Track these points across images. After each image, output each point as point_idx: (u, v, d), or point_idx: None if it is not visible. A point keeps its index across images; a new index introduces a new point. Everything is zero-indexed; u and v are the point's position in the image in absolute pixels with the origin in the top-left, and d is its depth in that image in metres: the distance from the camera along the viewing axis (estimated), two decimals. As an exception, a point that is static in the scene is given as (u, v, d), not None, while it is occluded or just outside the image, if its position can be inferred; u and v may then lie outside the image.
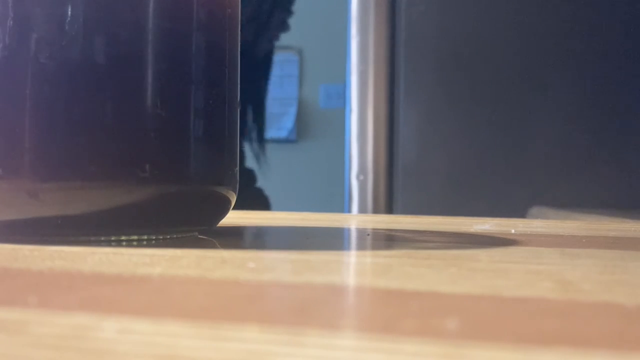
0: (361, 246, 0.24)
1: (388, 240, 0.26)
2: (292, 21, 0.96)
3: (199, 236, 0.24)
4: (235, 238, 0.25)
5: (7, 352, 0.09)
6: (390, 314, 0.11)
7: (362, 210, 0.92)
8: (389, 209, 0.92)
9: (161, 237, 0.22)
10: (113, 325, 0.10)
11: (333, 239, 0.26)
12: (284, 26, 0.90)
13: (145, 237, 0.22)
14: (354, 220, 0.38)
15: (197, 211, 0.23)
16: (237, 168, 0.25)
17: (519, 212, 0.80)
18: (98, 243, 0.21)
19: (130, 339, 0.09)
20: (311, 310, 0.11)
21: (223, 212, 0.24)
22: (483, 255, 0.20)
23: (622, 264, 0.19)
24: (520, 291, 0.13)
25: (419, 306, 0.12)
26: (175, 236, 0.23)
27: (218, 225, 0.26)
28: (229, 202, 0.24)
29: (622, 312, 0.12)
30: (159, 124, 0.21)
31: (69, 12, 0.20)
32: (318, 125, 2.32)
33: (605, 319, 0.11)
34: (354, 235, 0.28)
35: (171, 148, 0.21)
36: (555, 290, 0.14)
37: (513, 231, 0.29)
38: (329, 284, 0.14)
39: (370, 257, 0.19)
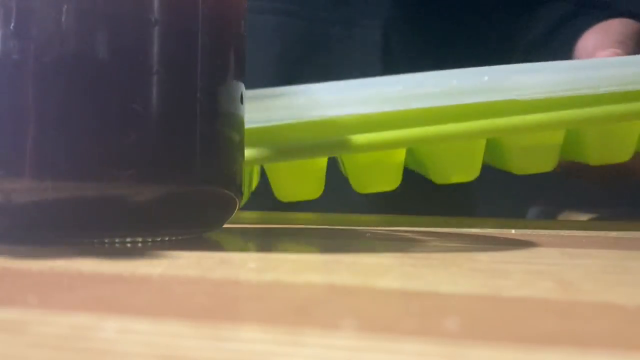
0: (361, 246, 0.24)
1: (388, 240, 0.26)
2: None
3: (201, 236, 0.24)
4: (236, 238, 0.25)
5: (7, 352, 0.09)
6: (390, 314, 0.11)
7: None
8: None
9: (167, 239, 0.22)
10: (113, 325, 0.10)
11: (333, 239, 0.26)
12: None
13: (150, 239, 0.21)
14: (354, 220, 0.38)
15: (201, 213, 0.23)
16: (242, 169, 0.24)
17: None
18: (98, 243, 0.21)
19: (130, 339, 0.09)
20: (311, 310, 0.11)
21: (228, 214, 0.24)
22: (483, 255, 0.20)
23: (622, 264, 0.19)
24: (520, 291, 0.13)
25: (419, 306, 0.12)
26: (179, 238, 0.22)
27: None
28: (235, 203, 0.24)
29: (622, 312, 0.12)
30: (162, 124, 0.21)
31: (68, 12, 0.20)
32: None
33: (605, 319, 0.11)
34: (354, 235, 0.28)
35: (174, 148, 0.21)
36: (555, 290, 0.14)
37: (513, 231, 0.29)
38: (329, 284, 0.14)
39: (370, 257, 0.19)
